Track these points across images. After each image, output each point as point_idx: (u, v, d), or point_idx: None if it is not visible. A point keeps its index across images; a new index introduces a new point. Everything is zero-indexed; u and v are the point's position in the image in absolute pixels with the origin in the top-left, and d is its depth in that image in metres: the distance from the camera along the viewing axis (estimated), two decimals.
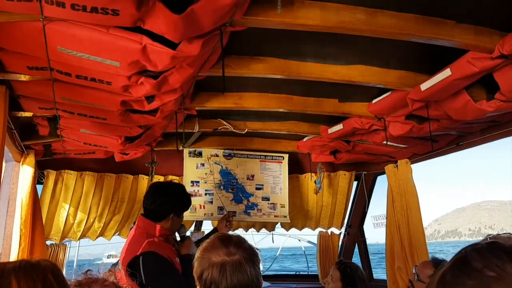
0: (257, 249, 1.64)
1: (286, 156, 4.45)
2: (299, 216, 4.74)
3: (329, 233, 4.80)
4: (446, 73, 2.29)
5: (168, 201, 2.72)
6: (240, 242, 1.60)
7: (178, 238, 2.92)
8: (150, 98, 2.48)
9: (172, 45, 1.82)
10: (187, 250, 2.78)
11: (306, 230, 4.95)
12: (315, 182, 4.44)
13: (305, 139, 4.07)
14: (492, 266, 0.73)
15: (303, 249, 9.08)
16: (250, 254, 1.58)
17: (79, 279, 1.27)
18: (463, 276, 0.75)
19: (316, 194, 4.53)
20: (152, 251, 2.53)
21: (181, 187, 2.91)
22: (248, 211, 4.31)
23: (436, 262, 2.46)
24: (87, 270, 1.33)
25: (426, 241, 3.83)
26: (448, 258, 0.85)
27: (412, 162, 3.95)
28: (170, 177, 4.32)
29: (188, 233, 3.07)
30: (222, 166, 4.28)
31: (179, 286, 2.51)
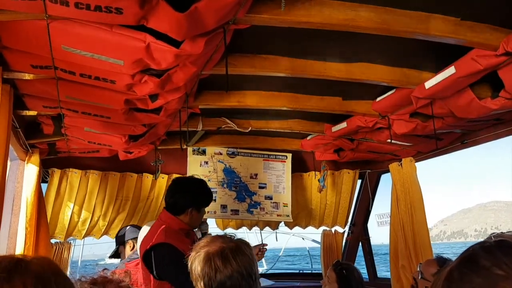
0: None
1: (289, 155, 4.45)
2: (303, 214, 4.74)
3: (333, 232, 4.80)
4: (450, 70, 2.28)
5: (187, 195, 2.74)
6: (231, 237, 1.69)
7: (200, 235, 2.94)
8: (154, 97, 2.48)
9: (176, 44, 1.82)
10: None
11: (310, 229, 4.96)
12: (318, 180, 4.43)
13: (308, 138, 4.06)
14: (500, 264, 0.73)
15: (307, 248, 9.07)
16: (244, 242, 1.67)
17: (95, 277, 1.27)
18: (471, 274, 0.75)
19: (320, 192, 4.52)
20: (166, 243, 2.56)
21: (201, 182, 2.92)
22: (251, 209, 4.31)
23: (441, 261, 2.46)
24: (104, 269, 1.34)
25: (432, 242, 3.82)
26: (454, 258, 0.84)
27: (417, 161, 3.94)
28: (174, 176, 4.32)
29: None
30: (225, 165, 4.28)
31: (187, 281, 2.51)
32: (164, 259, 2.52)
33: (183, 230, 2.73)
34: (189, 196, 2.74)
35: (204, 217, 4.40)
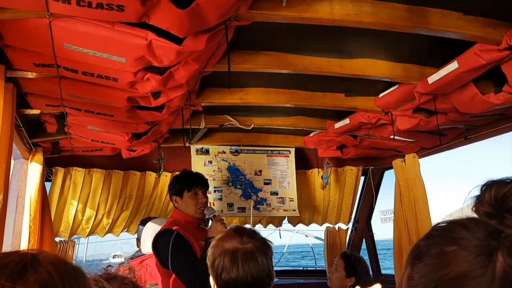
0: (270, 241, 1.69)
1: (292, 149, 4.45)
2: (306, 211, 4.73)
3: (337, 229, 4.80)
4: (453, 65, 2.27)
5: (170, 187, 3.06)
6: (253, 233, 1.66)
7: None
8: (156, 94, 2.48)
9: (178, 41, 1.83)
10: (211, 233, 2.78)
11: (313, 226, 4.96)
12: (322, 177, 4.43)
13: (311, 134, 4.06)
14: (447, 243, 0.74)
15: (311, 245, 9.07)
16: (263, 244, 1.63)
17: (99, 274, 1.27)
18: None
19: (323, 189, 4.52)
20: (170, 229, 2.74)
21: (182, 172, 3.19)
22: (257, 206, 4.31)
23: None
24: (108, 266, 1.34)
25: None
26: None
27: (420, 157, 3.92)
28: (177, 174, 4.33)
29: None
30: (229, 163, 4.28)
31: (182, 266, 2.63)
32: (166, 243, 2.68)
33: (191, 224, 2.87)
34: (170, 186, 3.06)
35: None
